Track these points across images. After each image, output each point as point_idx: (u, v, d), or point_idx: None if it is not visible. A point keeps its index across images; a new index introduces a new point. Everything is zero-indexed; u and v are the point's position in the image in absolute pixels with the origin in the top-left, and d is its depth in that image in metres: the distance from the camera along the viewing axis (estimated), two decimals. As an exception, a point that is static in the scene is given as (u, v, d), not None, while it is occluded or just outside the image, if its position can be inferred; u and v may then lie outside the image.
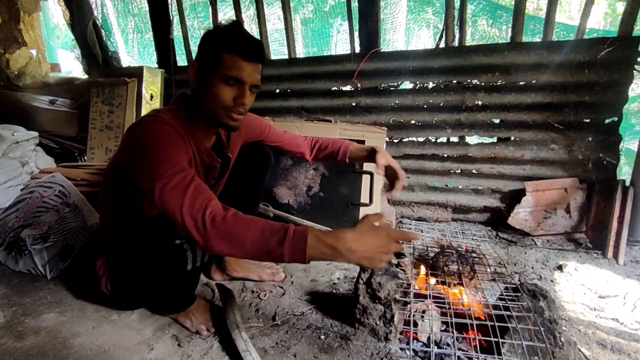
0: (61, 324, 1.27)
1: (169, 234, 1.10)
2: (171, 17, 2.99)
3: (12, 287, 1.50)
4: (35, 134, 2.37)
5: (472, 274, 1.41)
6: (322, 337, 1.24)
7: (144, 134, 0.99)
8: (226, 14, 3.09)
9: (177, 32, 3.03)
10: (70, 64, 4.35)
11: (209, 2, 2.85)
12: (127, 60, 3.73)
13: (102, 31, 3.34)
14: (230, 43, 1.03)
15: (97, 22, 3.30)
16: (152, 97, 2.81)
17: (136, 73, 2.78)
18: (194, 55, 3.06)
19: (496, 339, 1.04)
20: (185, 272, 1.18)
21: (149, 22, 3.15)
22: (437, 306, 1.25)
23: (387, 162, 1.35)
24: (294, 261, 0.86)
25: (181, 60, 3.11)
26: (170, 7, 2.98)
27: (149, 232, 1.10)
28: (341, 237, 0.85)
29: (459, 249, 1.57)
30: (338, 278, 1.66)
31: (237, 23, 1.09)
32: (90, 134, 2.89)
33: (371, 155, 1.40)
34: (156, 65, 3.10)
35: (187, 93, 1.17)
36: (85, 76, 3.45)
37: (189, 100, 1.14)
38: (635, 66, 1.97)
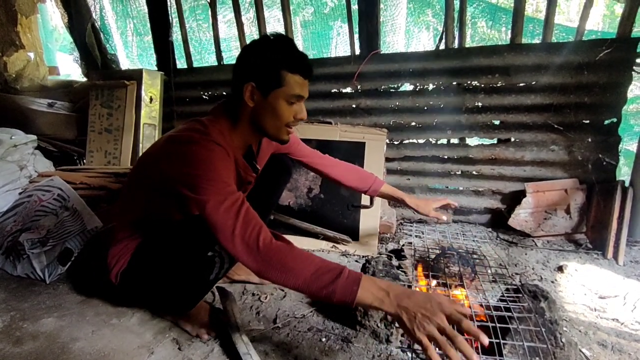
0: (60, 329, 1.26)
1: (205, 245, 1.11)
2: (170, 20, 2.98)
3: (10, 292, 1.49)
4: (34, 137, 2.36)
5: (473, 275, 1.41)
6: (324, 339, 1.24)
7: (197, 152, 1.01)
8: (225, 17, 3.09)
9: (176, 34, 3.03)
10: (69, 67, 4.34)
11: (208, 4, 2.85)
12: (126, 63, 3.73)
13: (101, 34, 3.34)
14: (290, 62, 1.07)
15: (96, 24, 3.30)
16: (151, 99, 2.81)
17: (135, 76, 2.78)
18: (193, 58, 3.10)
19: (497, 340, 1.03)
20: (207, 282, 1.18)
21: (148, 25, 3.15)
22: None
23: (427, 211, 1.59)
24: (343, 301, 0.87)
25: (180, 63, 3.11)
26: (169, 9, 2.97)
27: (186, 238, 1.11)
28: (393, 285, 0.88)
29: (460, 250, 1.57)
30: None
31: (287, 38, 1.12)
32: (89, 137, 2.89)
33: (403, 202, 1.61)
34: (155, 68, 3.10)
35: (227, 102, 1.18)
36: (84, 79, 3.44)
37: (232, 112, 1.15)
38: (634, 67, 1.97)
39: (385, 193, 1.63)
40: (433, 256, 1.55)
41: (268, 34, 1.12)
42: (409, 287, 1.26)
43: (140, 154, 2.76)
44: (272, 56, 1.07)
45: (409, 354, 1.16)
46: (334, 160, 1.60)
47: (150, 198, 1.17)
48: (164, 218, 1.17)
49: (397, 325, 1.20)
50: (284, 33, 2.63)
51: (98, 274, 1.35)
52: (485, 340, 0.79)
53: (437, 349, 0.80)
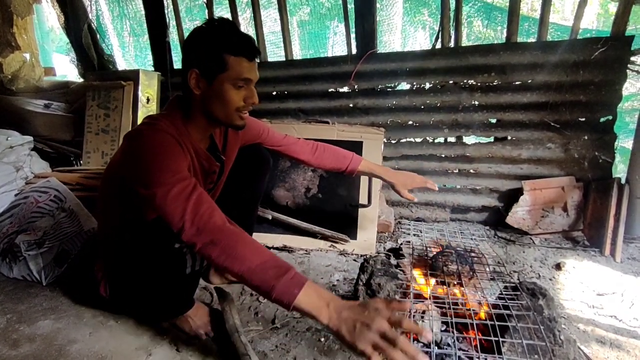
0: (57, 331, 1.26)
1: (168, 238, 1.08)
2: (167, 20, 2.97)
3: (7, 294, 1.48)
4: (30, 138, 2.35)
5: (471, 273, 1.41)
6: (322, 339, 1.23)
7: (143, 144, 0.98)
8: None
9: (173, 35, 3.02)
10: (66, 68, 4.32)
11: (205, 4, 2.85)
12: (122, 63, 3.72)
13: (97, 34, 3.32)
14: (232, 45, 1.03)
15: (92, 25, 3.28)
16: (148, 100, 2.80)
17: (132, 76, 2.77)
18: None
19: (496, 338, 1.04)
20: (184, 276, 1.17)
21: (145, 25, 3.14)
22: (437, 306, 1.25)
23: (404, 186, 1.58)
24: (280, 301, 0.84)
25: (177, 63, 3.10)
26: (166, 9, 2.97)
27: (148, 235, 1.08)
28: (337, 298, 0.84)
29: (458, 248, 1.57)
30: (337, 280, 1.65)
31: (229, 21, 1.09)
32: (86, 138, 2.87)
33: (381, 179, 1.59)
34: (152, 68, 3.09)
35: (181, 96, 1.15)
36: (81, 80, 3.43)
37: (184, 104, 1.13)
38: (629, 65, 1.98)
39: (364, 171, 1.57)
40: (431, 255, 1.55)
41: (211, 18, 1.10)
42: (407, 286, 1.26)
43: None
44: (213, 40, 1.04)
45: (408, 353, 1.16)
46: (307, 143, 1.53)
47: (115, 208, 1.16)
48: (135, 223, 1.13)
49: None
50: (282, 35, 2.65)
51: (90, 288, 1.33)
52: (428, 336, 0.79)
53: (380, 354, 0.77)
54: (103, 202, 1.23)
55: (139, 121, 2.73)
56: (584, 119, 2.10)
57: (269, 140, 1.47)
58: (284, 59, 2.75)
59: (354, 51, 2.51)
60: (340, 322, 0.80)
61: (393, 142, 2.48)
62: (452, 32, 2.29)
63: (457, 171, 2.38)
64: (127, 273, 1.16)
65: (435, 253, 1.53)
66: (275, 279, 0.84)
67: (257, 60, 1.09)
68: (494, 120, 2.26)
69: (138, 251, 1.11)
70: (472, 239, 1.81)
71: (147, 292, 1.18)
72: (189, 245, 0.92)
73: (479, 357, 1.03)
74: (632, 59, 1.98)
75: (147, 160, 0.96)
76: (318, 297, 0.83)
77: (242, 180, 1.40)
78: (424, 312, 1.23)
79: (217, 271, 1.57)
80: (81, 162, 2.92)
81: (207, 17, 2.88)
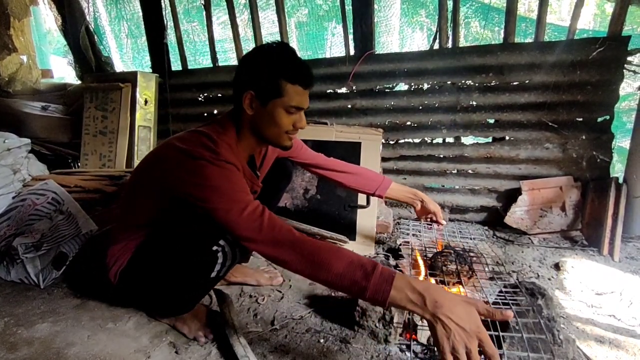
0: (55, 334, 1.25)
1: (211, 239, 1.10)
2: (165, 22, 2.97)
3: (4, 298, 1.47)
4: (27, 140, 2.34)
5: (470, 273, 1.41)
6: (322, 340, 1.23)
7: (211, 172, 1.01)
8: (220, 18, 3.09)
9: (170, 36, 3.02)
10: (63, 70, 4.32)
11: (202, 6, 2.85)
12: (120, 65, 3.71)
13: (95, 36, 3.32)
14: (290, 72, 1.07)
15: (90, 27, 3.28)
16: (146, 102, 2.80)
17: (130, 78, 2.77)
18: (188, 60, 3.08)
19: (496, 333, 1.04)
20: (208, 279, 1.17)
21: (143, 27, 3.14)
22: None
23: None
24: (375, 300, 0.85)
25: (175, 65, 3.10)
26: (163, 11, 2.97)
27: (191, 231, 1.11)
28: (431, 286, 0.84)
29: (457, 248, 1.57)
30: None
31: (289, 47, 1.12)
32: (84, 140, 2.87)
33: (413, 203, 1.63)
34: (150, 70, 3.09)
35: (232, 112, 1.18)
36: (78, 82, 3.42)
37: (236, 121, 1.16)
38: (625, 65, 1.99)
39: (394, 197, 1.61)
40: (430, 255, 1.55)
41: (270, 42, 1.12)
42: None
43: (136, 156, 2.75)
44: (272, 65, 1.07)
45: (408, 354, 1.16)
46: (338, 162, 1.57)
47: (156, 203, 1.16)
48: (172, 224, 1.16)
49: (409, 327, 1.20)
50: (280, 37, 2.66)
51: (96, 273, 1.34)
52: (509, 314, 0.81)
53: None
54: (135, 193, 1.23)
55: (137, 123, 2.74)
56: (581, 119, 2.11)
57: (302, 156, 1.52)
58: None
59: (352, 52, 2.51)
60: (437, 320, 0.79)
61: (391, 142, 2.48)
62: (450, 33, 2.30)
63: (455, 171, 2.38)
64: (149, 262, 1.17)
65: (434, 253, 1.53)
66: (365, 279, 0.85)
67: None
68: (492, 121, 2.27)
69: (172, 244, 1.13)
70: (471, 239, 1.81)
71: (162, 285, 1.17)
72: (270, 258, 0.97)
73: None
74: (629, 59, 1.99)
75: (215, 185, 1.00)
76: (411, 290, 0.82)
77: (262, 190, 1.40)
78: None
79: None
80: (79, 164, 2.91)
81: (205, 19, 2.87)
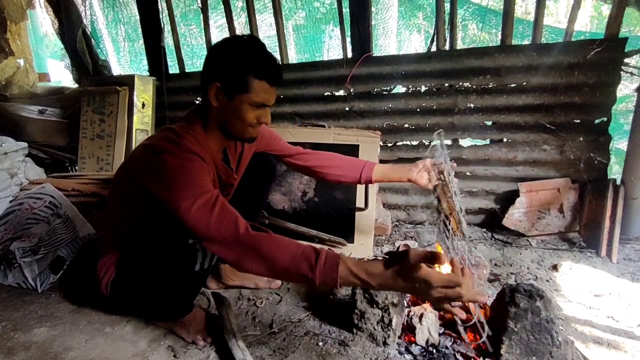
0: (52, 338, 1.25)
1: (183, 233, 1.08)
2: (162, 25, 2.97)
3: (1, 302, 1.47)
4: (25, 144, 2.34)
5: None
6: (320, 343, 1.23)
7: (168, 163, 1.00)
8: (217, 21, 3.09)
9: (168, 39, 3.02)
10: (60, 74, 4.31)
11: (200, 9, 2.85)
12: (117, 68, 3.71)
13: (92, 40, 3.31)
14: (258, 68, 1.06)
15: (87, 30, 3.27)
16: (143, 105, 2.79)
17: (127, 81, 2.76)
18: (185, 63, 3.08)
19: (495, 338, 1.04)
20: (192, 274, 1.17)
21: (140, 30, 3.13)
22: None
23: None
24: (326, 286, 0.88)
25: (172, 68, 3.10)
26: (161, 14, 2.97)
27: (162, 229, 1.09)
28: (373, 270, 0.85)
29: (456, 251, 1.57)
30: (335, 283, 1.64)
31: (259, 41, 1.11)
32: (81, 144, 2.86)
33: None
34: (147, 73, 3.08)
35: (200, 105, 1.17)
36: (75, 85, 3.41)
37: (203, 113, 1.15)
38: (622, 67, 2.00)
39: (380, 178, 1.49)
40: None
41: (240, 34, 1.12)
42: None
43: (133, 160, 2.74)
44: (240, 59, 1.06)
45: (407, 357, 1.16)
46: (318, 153, 1.51)
47: (131, 208, 1.16)
48: (147, 226, 1.15)
49: (393, 327, 1.19)
50: (277, 40, 2.66)
51: (89, 286, 1.34)
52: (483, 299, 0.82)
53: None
54: (115, 201, 1.24)
55: (135, 126, 2.73)
56: (579, 121, 2.11)
57: (279, 148, 1.49)
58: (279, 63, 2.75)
59: (349, 55, 2.51)
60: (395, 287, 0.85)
61: (389, 145, 2.48)
62: (447, 35, 2.30)
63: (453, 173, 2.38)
64: (134, 267, 1.16)
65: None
66: (310, 270, 0.86)
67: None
68: (489, 123, 2.27)
69: (150, 245, 1.13)
70: (470, 241, 1.81)
71: (152, 288, 1.17)
72: (219, 256, 0.96)
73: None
74: (626, 60, 1.99)
75: (172, 177, 0.98)
76: (354, 277, 0.85)
77: (247, 188, 1.41)
78: (421, 315, 1.23)
79: (214, 276, 1.56)
80: (76, 167, 2.90)
81: (202, 22, 2.87)
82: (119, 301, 1.26)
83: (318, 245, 0.97)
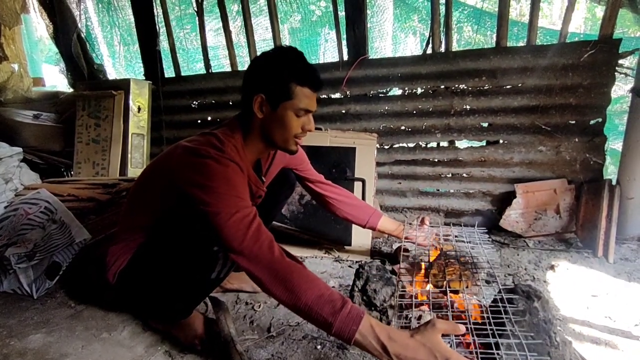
0: (48, 345, 1.23)
1: (210, 239, 1.09)
2: (157, 29, 2.97)
3: (-3, 308, 1.45)
4: (19, 149, 2.32)
5: (468, 278, 1.41)
6: (319, 347, 1.22)
7: (213, 170, 1.01)
8: (213, 25, 3.09)
9: (163, 43, 3.01)
10: (55, 78, 4.30)
11: (195, 13, 2.85)
12: (113, 72, 3.70)
13: (87, 44, 3.31)
14: (300, 75, 1.09)
15: (82, 34, 3.27)
16: (139, 109, 2.79)
17: (123, 85, 2.76)
18: (181, 67, 3.07)
19: (495, 340, 1.03)
20: (206, 280, 1.17)
21: (135, 34, 3.13)
22: (434, 311, 1.24)
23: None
24: (339, 337, 0.86)
25: (168, 72, 3.09)
26: (156, 18, 2.96)
27: (190, 230, 1.10)
28: (396, 337, 0.84)
29: (453, 252, 1.57)
30: (333, 286, 1.64)
31: (297, 50, 1.14)
32: (77, 148, 2.85)
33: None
34: (143, 77, 3.08)
35: (241, 115, 1.18)
36: (70, 90, 3.40)
37: (245, 124, 1.16)
38: (617, 68, 2.01)
39: (382, 230, 1.71)
40: (426, 259, 1.55)
41: (278, 46, 1.14)
42: (403, 291, 1.25)
43: (129, 164, 2.73)
44: (282, 68, 1.09)
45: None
46: (337, 188, 1.65)
47: (163, 202, 1.17)
48: (173, 223, 1.16)
49: None
50: (273, 43, 2.67)
51: (93, 275, 1.33)
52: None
53: None
54: (140, 192, 1.26)
55: (130, 131, 2.72)
56: (574, 122, 2.13)
57: (305, 171, 1.58)
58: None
59: (345, 57, 2.52)
60: None
61: (386, 147, 2.49)
62: (443, 38, 2.31)
63: (450, 175, 2.39)
64: (149, 261, 1.16)
65: (429, 257, 1.53)
66: (332, 316, 0.86)
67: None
68: (485, 124, 2.29)
69: (173, 243, 1.13)
70: (467, 242, 1.81)
71: (161, 285, 1.16)
72: (247, 272, 0.96)
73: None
74: (620, 61, 2.01)
75: (215, 183, 0.99)
76: (375, 338, 0.84)
77: (265, 199, 1.40)
78: (420, 317, 1.23)
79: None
80: (72, 172, 2.89)
81: (198, 25, 2.87)
82: (122, 292, 1.24)
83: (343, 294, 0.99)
